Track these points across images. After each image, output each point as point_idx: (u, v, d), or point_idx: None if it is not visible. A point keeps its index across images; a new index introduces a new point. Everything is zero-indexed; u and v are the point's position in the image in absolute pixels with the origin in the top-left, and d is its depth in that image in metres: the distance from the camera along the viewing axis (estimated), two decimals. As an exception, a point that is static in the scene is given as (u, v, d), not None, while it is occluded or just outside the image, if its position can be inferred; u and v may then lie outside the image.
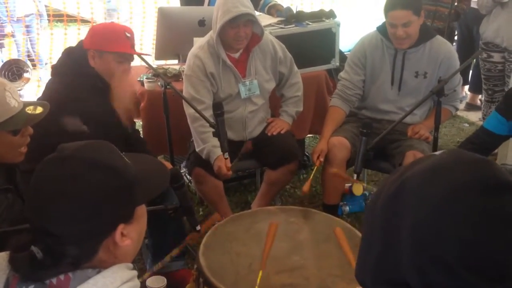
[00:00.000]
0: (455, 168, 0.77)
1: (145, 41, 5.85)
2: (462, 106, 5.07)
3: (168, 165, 2.45)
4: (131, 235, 1.03)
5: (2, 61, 5.61)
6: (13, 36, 6.74)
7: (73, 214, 0.95)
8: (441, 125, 4.44)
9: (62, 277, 0.95)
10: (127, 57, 2.35)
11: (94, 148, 1.04)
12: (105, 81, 2.33)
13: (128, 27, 2.47)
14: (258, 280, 1.79)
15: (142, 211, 1.08)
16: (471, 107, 5.08)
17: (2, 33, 6.28)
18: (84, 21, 6.88)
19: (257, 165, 3.08)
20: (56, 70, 2.36)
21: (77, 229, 0.96)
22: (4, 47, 6.25)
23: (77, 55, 2.33)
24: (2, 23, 6.31)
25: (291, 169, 2.87)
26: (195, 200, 3.34)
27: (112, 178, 0.99)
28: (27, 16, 6.48)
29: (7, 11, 6.27)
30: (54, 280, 0.95)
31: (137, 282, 1.03)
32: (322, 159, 2.72)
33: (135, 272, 1.04)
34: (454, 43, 4.76)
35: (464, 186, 0.74)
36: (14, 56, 6.41)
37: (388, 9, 2.67)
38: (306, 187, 2.62)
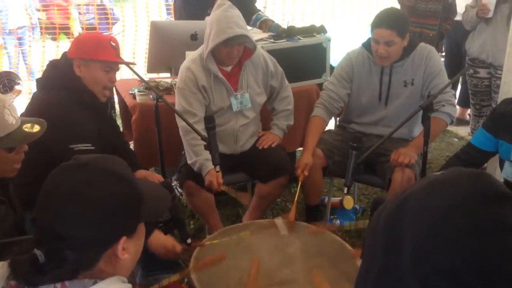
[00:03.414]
0: (455, 181, 0.80)
1: (138, 54, 5.89)
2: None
3: (159, 177, 2.46)
4: (130, 249, 1.06)
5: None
6: (5, 48, 6.74)
7: (85, 217, 0.99)
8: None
9: (58, 285, 0.97)
10: (113, 66, 2.36)
11: (110, 160, 1.09)
12: (92, 94, 2.34)
13: (112, 36, 2.51)
14: None
15: (142, 228, 1.12)
16: (460, 121, 5.13)
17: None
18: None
19: (248, 179, 3.09)
20: (42, 83, 2.35)
21: (85, 234, 0.99)
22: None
23: (62, 67, 2.34)
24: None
25: (282, 183, 2.88)
26: (186, 213, 3.34)
27: (126, 189, 1.04)
28: (19, 28, 6.49)
29: (-2, 23, 6.29)
30: None
31: None
32: (306, 173, 2.73)
33: (129, 285, 1.05)
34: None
35: (466, 197, 0.76)
36: (6, 68, 6.40)
37: (374, 26, 2.75)
38: (292, 216, 2.41)
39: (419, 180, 0.87)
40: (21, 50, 6.58)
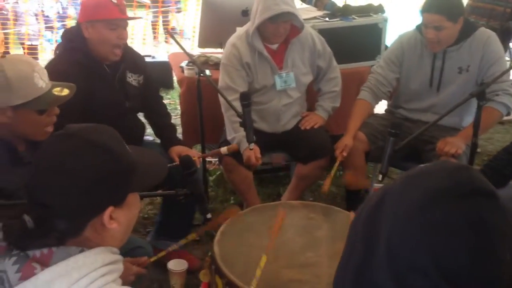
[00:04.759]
0: (432, 175, 0.76)
1: (198, 28, 5.95)
2: (520, 112, 4.80)
3: (195, 153, 2.49)
4: (119, 219, 1.07)
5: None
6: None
7: (67, 188, 1.00)
8: (494, 130, 4.27)
9: (45, 250, 1.00)
10: (118, 23, 2.35)
11: (98, 131, 1.09)
12: (92, 56, 2.36)
13: None
14: (262, 264, 1.79)
15: (135, 198, 1.12)
16: (530, 113, 4.79)
17: (65, 14, 6.56)
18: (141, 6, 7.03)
19: (288, 159, 3.06)
20: (56, 49, 2.46)
21: (68, 203, 1.00)
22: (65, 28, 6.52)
23: (70, 33, 2.41)
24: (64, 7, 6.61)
25: (322, 165, 2.84)
26: (227, 189, 3.38)
27: (110, 160, 1.04)
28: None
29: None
30: (37, 253, 1.00)
31: (119, 266, 1.06)
32: (345, 154, 2.67)
33: (118, 257, 1.07)
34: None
35: (439, 192, 0.73)
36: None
37: (423, 10, 2.62)
38: (325, 186, 2.51)
39: (406, 171, 0.83)
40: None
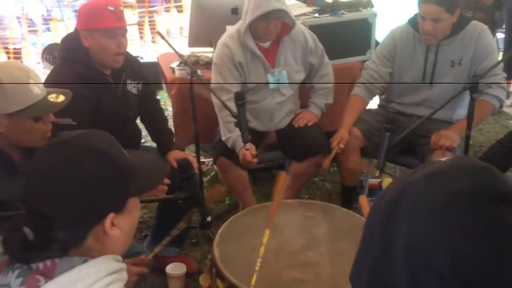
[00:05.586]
0: (455, 175, 0.74)
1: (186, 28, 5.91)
2: (509, 102, 4.83)
3: (192, 158, 2.47)
4: (121, 225, 1.04)
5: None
6: (62, 20, 6.93)
7: (65, 196, 0.97)
8: (484, 121, 4.29)
9: (48, 262, 0.97)
10: (116, 31, 2.27)
11: (94, 137, 1.06)
12: (91, 66, 2.29)
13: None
14: (265, 240, 1.78)
15: (135, 203, 1.09)
16: (520, 104, 4.83)
17: (49, 17, 6.46)
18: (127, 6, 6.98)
19: (282, 157, 3.05)
20: (43, 53, 2.40)
21: (67, 212, 0.98)
22: (50, 31, 6.42)
23: (69, 40, 2.34)
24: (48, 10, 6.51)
25: (317, 162, 2.82)
26: (222, 189, 3.36)
27: (107, 166, 1.02)
28: (75, 0, 6.64)
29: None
30: (40, 265, 0.97)
31: (124, 275, 1.04)
32: (342, 146, 2.67)
33: (123, 265, 1.04)
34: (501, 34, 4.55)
35: (462, 194, 0.71)
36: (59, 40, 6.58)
37: (421, 1, 2.58)
38: (326, 162, 2.66)
39: (422, 166, 0.81)
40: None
